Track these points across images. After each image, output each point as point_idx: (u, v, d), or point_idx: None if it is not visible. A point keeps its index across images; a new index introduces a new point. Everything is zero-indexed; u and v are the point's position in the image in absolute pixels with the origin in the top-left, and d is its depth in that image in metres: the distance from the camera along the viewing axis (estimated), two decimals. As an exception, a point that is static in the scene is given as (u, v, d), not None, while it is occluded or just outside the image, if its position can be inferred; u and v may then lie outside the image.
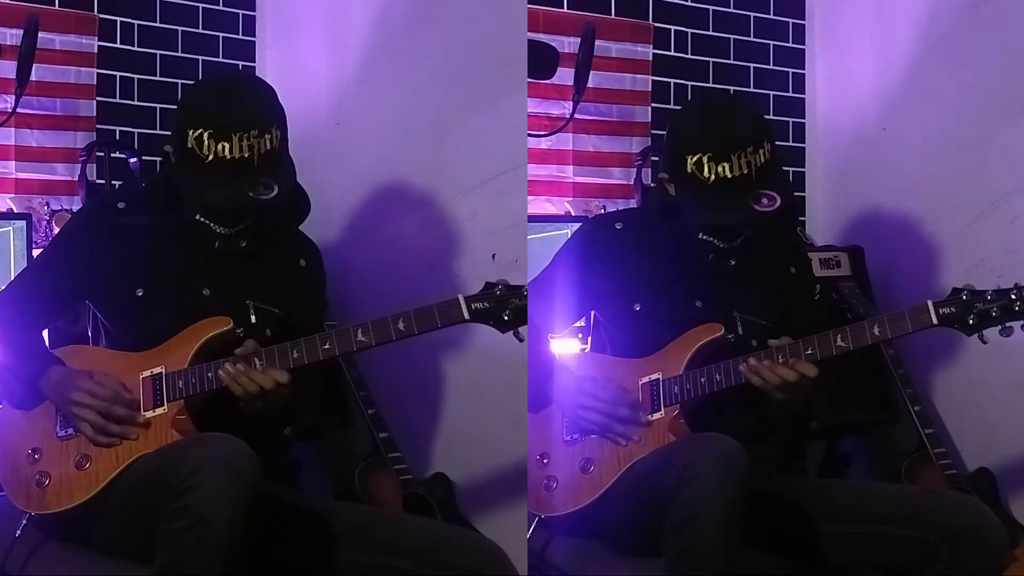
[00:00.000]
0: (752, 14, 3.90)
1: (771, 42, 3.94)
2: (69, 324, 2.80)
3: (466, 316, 2.54)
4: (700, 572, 2.37)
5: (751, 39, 3.90)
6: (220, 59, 3.59)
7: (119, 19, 3.40)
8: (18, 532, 2.51)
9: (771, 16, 3.94)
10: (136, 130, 3.41)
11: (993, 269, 3.39)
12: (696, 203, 2.61)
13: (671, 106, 3.71)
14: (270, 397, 2.48)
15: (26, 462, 2.51)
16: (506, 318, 2.55)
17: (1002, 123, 3.47)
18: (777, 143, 2.63)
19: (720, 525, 2.35)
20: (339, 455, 3.49)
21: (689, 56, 3.78)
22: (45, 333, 2.74)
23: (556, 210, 3.55)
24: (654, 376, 2.65)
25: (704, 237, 2.69)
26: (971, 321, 2.55)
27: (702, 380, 2.62)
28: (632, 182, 3.61)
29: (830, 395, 3.39)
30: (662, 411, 2.63)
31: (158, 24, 3.47)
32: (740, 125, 2.59)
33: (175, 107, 2.67)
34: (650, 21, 3.69)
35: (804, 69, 4.01)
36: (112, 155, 3.29)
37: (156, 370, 2.52)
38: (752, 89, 3.88)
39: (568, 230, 3.14)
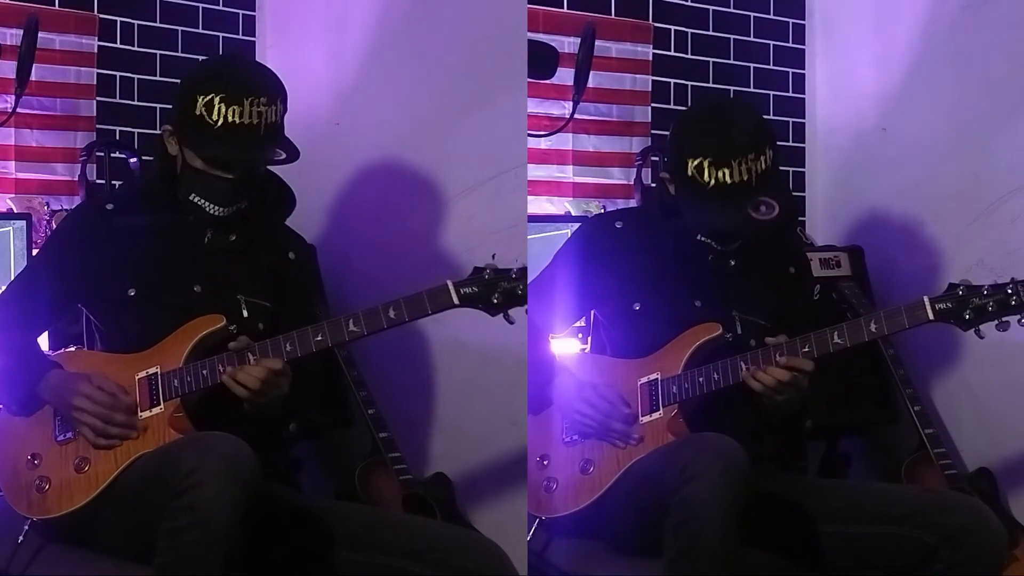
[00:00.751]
0: (752, 14, 3.90)
1: (771, 42, 3.94)
2: (69, 325, 2.79)
3: (456, 301, 2.53)
4: (699, 572, 2.36)
5: (751, 39, 3.90)
6: (220, 59, 3.59)
7: (119, 19, 3.40)
8: (20, 539, 2.50)
9: (771, 16, 3.94)
10: (136, 130, 3.41)
11: (993, 269, 3.36)
12: (695, 207, 2.61)
13: (671, 106, 3.71)
14: (270, 391, 2.48)
15: (25, 468, 2.51)
16: (495, 301, 2.54)
17: (1002, 123, 3.47)
18: (777, 143, 2.63)
19: (719, 525, 2.35)
20: (339, 455, 3.49)
21: (689, 56, 3.78)
22: (45, 335, 2.74)
23: (556, 210, 3.54)
24: (652, 376, 2.65)
25: (703, 239, 2.69)
26: (967, 316, 2.54)
27: (700, 380, 2.62)
28: (632, 182, 3.61)
29: (830, 395, 3.40)
30: (661, 411, 2.63)
31: (158, 24, 3.47)
32: (742, 131, 2.58)
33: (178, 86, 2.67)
34: (650, 21, 3.69)
35: (804, 69, 4.01)
36: (112, 155, 3.29)
37: (152, 370, 2.51)
38: (752, 89, 3.88)
39: (568, 230, 3.13)
